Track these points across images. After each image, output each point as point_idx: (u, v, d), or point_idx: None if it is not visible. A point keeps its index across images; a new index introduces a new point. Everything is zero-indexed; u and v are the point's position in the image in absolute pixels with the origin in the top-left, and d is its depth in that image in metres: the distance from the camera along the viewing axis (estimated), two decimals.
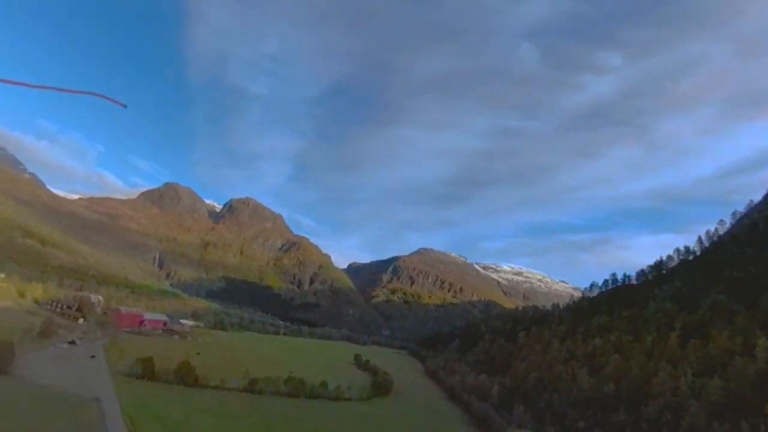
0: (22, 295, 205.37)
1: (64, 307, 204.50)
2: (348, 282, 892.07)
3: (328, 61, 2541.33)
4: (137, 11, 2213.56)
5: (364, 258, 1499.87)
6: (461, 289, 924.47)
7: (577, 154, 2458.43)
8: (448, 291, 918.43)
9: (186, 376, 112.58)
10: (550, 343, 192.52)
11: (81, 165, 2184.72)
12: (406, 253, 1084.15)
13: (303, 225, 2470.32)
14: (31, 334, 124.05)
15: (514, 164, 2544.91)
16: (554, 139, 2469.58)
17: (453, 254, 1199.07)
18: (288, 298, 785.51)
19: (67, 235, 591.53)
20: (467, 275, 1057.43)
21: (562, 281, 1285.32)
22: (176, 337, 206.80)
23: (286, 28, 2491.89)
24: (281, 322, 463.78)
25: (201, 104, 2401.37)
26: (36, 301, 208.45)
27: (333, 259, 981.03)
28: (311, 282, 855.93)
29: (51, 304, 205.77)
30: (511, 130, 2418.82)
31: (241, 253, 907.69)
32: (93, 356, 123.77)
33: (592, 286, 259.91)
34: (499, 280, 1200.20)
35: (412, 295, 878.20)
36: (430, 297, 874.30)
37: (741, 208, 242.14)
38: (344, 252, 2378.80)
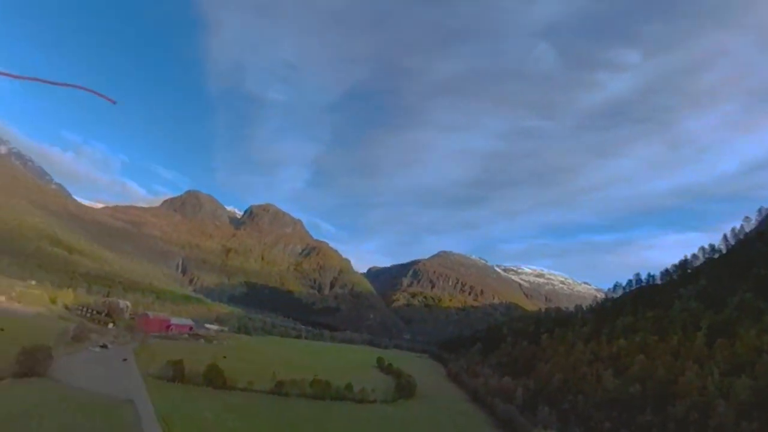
0: (53, 301, 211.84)
1: (94, 312, 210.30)
2: (368, 286, 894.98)
3: (344, 67, 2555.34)
4: (157, 24, 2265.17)
5: (384, 262, 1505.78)
6: (482, 292, 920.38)
7: (596, 154, 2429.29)
8: (469, 294, 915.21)
9: (215, 379, 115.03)
10: (574, 345, 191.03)
11: (105, 175, 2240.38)
12: (426, 257, 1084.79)
13: (322, 230, 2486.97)
14: (65, 339, 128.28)
15: (533, 165, 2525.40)
16: (573, 139, 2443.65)
17: (473, 257, 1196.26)
18: (309, 303, 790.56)
19: (93, 242, 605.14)
20: (488, 278, 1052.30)
21: (584, 283, 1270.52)
22: (202, 341, 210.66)
23: (302, 36, 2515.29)
24: (303, 327, 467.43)
25: (220, 113, 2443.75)
26: (66, 307, 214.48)
27: (353, 263, 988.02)
28: (331, 286, 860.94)
29: (81, 310, 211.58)
30: (529, 130, 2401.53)
31: (262, 258, 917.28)
32: (125, 359, 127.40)
33: (615, 286, 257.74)
34: (521, 282, 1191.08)
35: (432, 298, 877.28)
36: (450, 300, 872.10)
37: (767, 205, 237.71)
38: (364, 256, 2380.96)
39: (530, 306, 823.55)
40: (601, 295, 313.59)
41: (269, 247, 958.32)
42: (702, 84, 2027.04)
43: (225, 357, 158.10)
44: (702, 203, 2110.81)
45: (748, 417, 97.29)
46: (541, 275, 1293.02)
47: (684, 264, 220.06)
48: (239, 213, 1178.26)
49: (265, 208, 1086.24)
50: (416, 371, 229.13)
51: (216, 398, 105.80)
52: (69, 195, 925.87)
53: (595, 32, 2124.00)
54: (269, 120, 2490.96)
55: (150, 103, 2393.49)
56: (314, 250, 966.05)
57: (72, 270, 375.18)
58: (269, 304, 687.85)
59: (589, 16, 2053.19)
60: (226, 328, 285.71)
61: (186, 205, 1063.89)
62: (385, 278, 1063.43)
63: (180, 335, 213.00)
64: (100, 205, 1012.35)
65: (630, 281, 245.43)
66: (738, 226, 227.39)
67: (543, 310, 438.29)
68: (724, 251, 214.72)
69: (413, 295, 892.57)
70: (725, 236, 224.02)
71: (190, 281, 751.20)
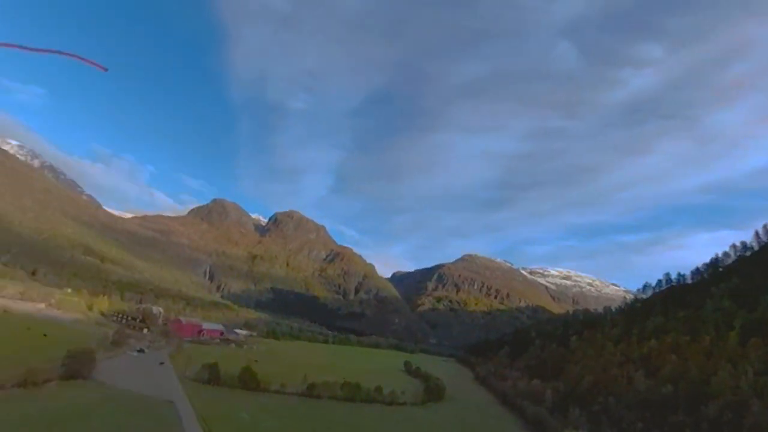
0: (90, 308, 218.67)
1: (130, 318, 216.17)
2: (393, 291, 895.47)
3: (365, 73, 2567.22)
4: (181, 38, 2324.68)
5: (408, 266, 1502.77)
6: (508, 296, 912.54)
7: (623, 152, 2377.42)
8: (495, 297, 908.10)
9: (248, 381, 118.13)
10: (604, 347, 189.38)
11: (134, 185, 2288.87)
12: (451, 261, 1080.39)
13: (346, 236, 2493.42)
14: (105, 343, 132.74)
15: (558, 165, 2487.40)
16: (598, 138, 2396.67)
17: (498, 260, 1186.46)
18: (334, 308, 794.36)
19: (123, 251, 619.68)
20: (514, 281, 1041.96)
21: (613, 284, 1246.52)
22: (233, 345, 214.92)
23: (322, 44, 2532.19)
24: (329, 332, 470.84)
25: (244, 122, 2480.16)
26: (102, 314, 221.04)
27: (377, 268, 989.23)
28: (356, 291, 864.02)
29: (117, 316, 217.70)
30: (553, 130, 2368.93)
31: (287, 264, 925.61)
32: (161, 363, 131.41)
33: (645, 287, 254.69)
34: (547, 285, 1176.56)
35: (457, 302, 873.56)
36: (476, 304, 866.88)
37: None
38: (388, 261, 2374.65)
39: (557, 309, 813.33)
40: (630, 297, 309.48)
41: (294, 254, 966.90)
42: (729, 76, 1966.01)
43: (256, 361, 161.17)
44: (733, 199, 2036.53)
45: None
46: (568, 277, 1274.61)
47: (715, 262, 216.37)
48: (264, 220, 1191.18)
49: (290, 215, 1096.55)
50: (444, 375, 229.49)
51: (251, 400, 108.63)
52: (100, 205, 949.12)
53: (616, 28, 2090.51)
54: (292, 128, 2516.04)
55: (176, 114, 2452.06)
56: (338, 255, 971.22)
57: (105, 278, 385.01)
58: (295, 309, 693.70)
59: (610, 12, 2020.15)
60: (255, 333, 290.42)
61: (212, 213, 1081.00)
62: (410, 283, 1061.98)
63: (211, 340, 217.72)
64: (129, 215, 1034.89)
65: (660, 281, 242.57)
66: None
67: (571, 312, 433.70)
68: (756, 248, 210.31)
69: (438, 300, 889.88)
70: (757, 233, 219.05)
71: (218, 288, 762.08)
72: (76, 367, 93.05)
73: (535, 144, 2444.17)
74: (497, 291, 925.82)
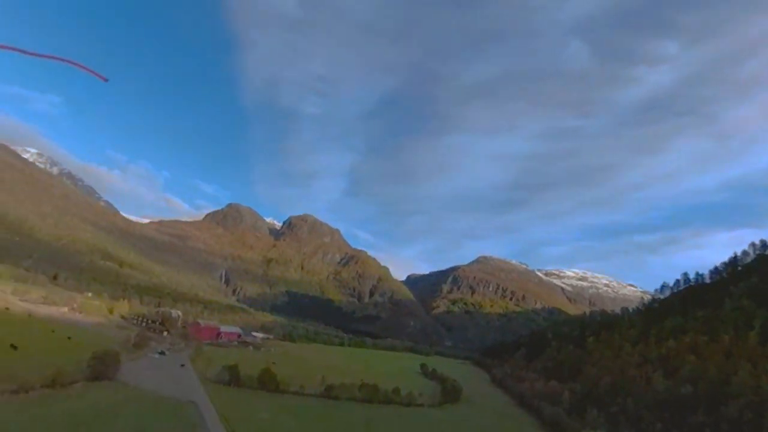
0: (110, 311, 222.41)
1: (149, 321, 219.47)
2: (408, 293, 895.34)
3: (376, 76, 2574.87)
4: (194, 45, 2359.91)
5: (423, 269, 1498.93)
6: (524, 297, 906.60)
7: (638, 151, 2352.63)
8: (510, 299, 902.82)
9: (268, 382, 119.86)
10: (622, 348, 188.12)
11: (150, 191, 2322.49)
12: (466, 263, 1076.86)
13: (360, 239, 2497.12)
14: (128, 346, 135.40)
15: (573, 165, 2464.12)
16: (613, 137, 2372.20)
17: (513, 261, 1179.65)
18: (349, 311, 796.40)
19: (141, 256, 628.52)
20: (529, 283, 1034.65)
21: (630, 285, 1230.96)
22: (251, 348, 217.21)
23: (334, 47, 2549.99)
24: (344, 334, 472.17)
25: (257, 127, 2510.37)
26: (123, 317, 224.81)
27: (391, 271, 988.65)
28: (371, 294, 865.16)
29: (137, 319, 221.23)
30: (567, 130, 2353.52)
31: (302, 268, 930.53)
32: (182, 365, 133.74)
33: (662, 287, 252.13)
34: (563, 286, 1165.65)
35: (473, 304, 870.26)
36: (491, 306, 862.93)
37: None
38: (402, 264, 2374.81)
39: (573, 310, 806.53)
40: (647, 298, 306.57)
41: (308, 257, 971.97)
42: (746, 72, 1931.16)
43: (274, 363, 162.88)
44: (752, 197, 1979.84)
45: None
46: (584, 278, 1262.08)
47: (734, 261, 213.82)
48: (278, 224, 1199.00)
49: (304, 219, 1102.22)
50: (460, 377, 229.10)
51: (270, 400, 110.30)
52: (117, 211, 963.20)
53: (629, 25, 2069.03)
54: (304, 132, 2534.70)
55: (190, 120, 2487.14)
56: (353, 258, 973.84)
57: (123, 282, 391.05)
58: (310, 312, 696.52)
59: (622, 9, 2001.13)
60: (271, 336, 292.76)
61: (227, 218, 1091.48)
62: (425, 285, 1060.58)
63: (229, 342, 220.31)
64: (146, 221, 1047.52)
65: (677, 281, 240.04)
66: None
67: (587, 313, 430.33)
68: None
69: (453, 302, 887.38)
70: None
71: (234, 291, 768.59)
72: (101, 368, 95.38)
73: (548, 144, 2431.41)
74: (513, 293, 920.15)
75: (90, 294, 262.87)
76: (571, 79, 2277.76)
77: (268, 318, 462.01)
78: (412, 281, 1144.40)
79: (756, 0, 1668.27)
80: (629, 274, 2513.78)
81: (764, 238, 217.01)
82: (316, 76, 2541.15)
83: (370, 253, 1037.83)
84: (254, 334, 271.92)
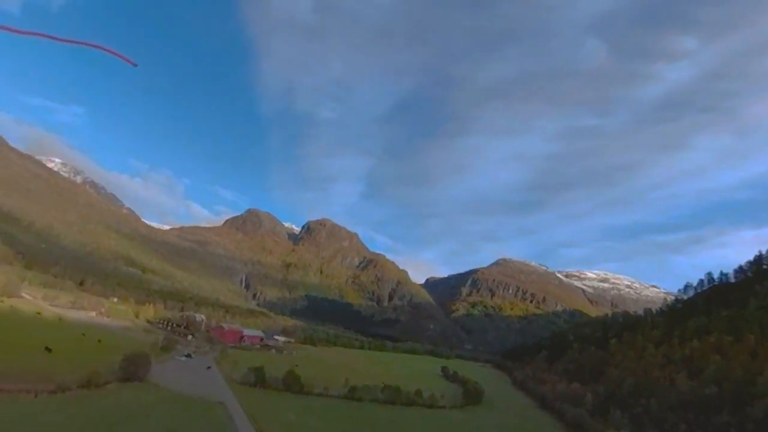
0: (137, 315, 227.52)
1: (174, 325, 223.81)
2: (427, 296, 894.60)
3: (392, 80, 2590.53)
4: (212, 54, 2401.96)
5: (442, 272, 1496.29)
6: (544, 299, 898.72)
7: (659, 149, 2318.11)
8: (530, 302, 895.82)
9: (292, 384, 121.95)
10: (645, 349, 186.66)
11: (171, 198, 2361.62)
12: (485, 265, 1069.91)
13: (378, 242, 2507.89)
14: (155, 349, 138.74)
15: (592, 165, 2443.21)
16: (633, 135, 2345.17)
17: (533, 263, 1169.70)
18: (368, 315, 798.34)
19: (163, 262, 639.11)
20: (549, 284, 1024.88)
21: (652, 286, 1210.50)
22: (273, 351, 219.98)
23: (350, 54, 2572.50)
24: (364, 338, 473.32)
25: (274, 133, 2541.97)
26: (148, 321, 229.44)
27: (410, 274, 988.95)
28: (390, 298, 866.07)
29: (162, 323, 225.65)
30: (585, 129, 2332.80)
31: (321, 272, 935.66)
32: (209, 367, 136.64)
33: (686, 287, 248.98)
34: (584, 288, 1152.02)
35: (492, 307, 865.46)
36: (511, 309, 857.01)
37: None
38: (421, 267, 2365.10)
39: (595, 312, 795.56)
40: (671, 299, 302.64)
41: (327, 261, 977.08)
42: (767, 65, 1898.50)
43: (297, 365, 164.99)
44: None
45: None
46: (605, 279, 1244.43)
47: (759, 260, 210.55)
48: (297, 229, 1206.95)
49: (322, 223, 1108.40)
50: (481, 379, 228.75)
51: (296, 401, 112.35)
52: (139, 218, 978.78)
53: (646, 21, 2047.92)
54: (321, 137, 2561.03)
55: (209, 128, 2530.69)
56: (371, 262, 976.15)
57: (146, 287, 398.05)
58: (329, 316, 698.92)
59: (638, 5, 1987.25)
60: (292, 339, 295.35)
61: (246, 223, 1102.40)
62: (444, 288, 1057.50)
63: (252, 346, 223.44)
64: (167, 227, 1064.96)
65: (701, 281, 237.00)
66: None
67: (609, 315, 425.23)
68: None
69: (473, 305, 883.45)
70: None
71: (254, 296, 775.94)
72: (133, 369, 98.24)
73: (566, 144, 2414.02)
74: (533, 295, 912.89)
75: (115, 299, 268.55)
76: (588, 77, 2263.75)
77: (288, 322, 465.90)
78: (431, 284, 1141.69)
79: None
80: (652, 274, 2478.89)
81: None
82: (332, 81, 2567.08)
83: (389, 256, 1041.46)
84: (276, 337, 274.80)
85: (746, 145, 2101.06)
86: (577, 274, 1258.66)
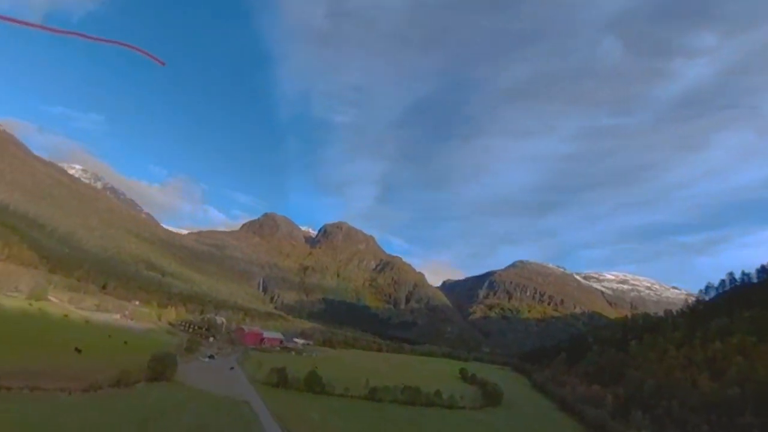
0: (159, 318, 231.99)
1: (196, 327, 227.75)
2: (444, 299, 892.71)
3: (408, 83, 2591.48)
4: (230, 60, 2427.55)
5: (459, 275, 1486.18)
6: (562, 302, 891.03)
7: (680, 147, 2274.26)
8: (548, 304, 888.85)
9: (314, 385, 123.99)
10: (666, 350, 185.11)
11: (188, 203, 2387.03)
12: (502, 267, 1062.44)
13: (394, 245, 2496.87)
14: (180, 350, 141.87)
15: (611, 165, 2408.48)
16: (652, 134, 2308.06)
17: (551, 265, 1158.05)
18: (385, 318, 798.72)
19: (182, 265, 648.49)
20: (568, 286, 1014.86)
21: (673, 287, 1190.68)
22: (293, 353, 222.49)
23: (366, 58, 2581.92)
24: (381, 341, 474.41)
25: (291, 139, 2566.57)
26: (170, 323, 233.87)
27: (427, 277, 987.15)
28: (407, 301, 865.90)
29: (183, 325, 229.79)
30: (604, 129, 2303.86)
31: (338, 275, 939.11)
32: (232, 368, 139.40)
33: (707, 288, 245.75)
34: (603, 289, 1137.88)
35: (510, 310, 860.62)
36: (529, 311, 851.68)
37: None
38: (437, 269, 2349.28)
39: (614, 314, 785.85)
40: (692, 300, 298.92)
41: (344, 264, 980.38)
42: None
43: (317, 367, 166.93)
44: None
45: None
46: (625, 281, 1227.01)
47: None
48: (314, 232, 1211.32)
49: (338, 226, 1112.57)
50: (500, 381, 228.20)
51: (318, 402, 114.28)
52: (158, 223, 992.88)
53: (663, 18, 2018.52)
54: (337, 142, 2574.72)
55: (226, 133, 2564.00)
56: (388, 265, 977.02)
57: (167, 290, 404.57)
58: (346, 319, 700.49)
59: (655, 1, 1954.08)
60: (311, 342, 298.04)
61: (263, 227, 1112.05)
62: (461, 291, 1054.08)
63: (272, 348, 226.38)
64: (185, 231, 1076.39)
65: (722, 282, 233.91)
66: None
67: (629, 316, 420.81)
68: None
69: (490, 307, 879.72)
70: None
71: (271, 299, 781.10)
72: (160, 369, 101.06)
73: (585, 144, 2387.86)
74: (551, 297, 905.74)
75: (137, 302, 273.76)
76: (606, 76, 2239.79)
77: (306, 324, 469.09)
78: (448, 287, 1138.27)
79: None
80: (673, 276, 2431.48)
81: None
82: (348, 86, 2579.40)
83: (405, 259, 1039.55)
84: (295, 339, 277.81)
85: None
86: (596, 275, 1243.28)
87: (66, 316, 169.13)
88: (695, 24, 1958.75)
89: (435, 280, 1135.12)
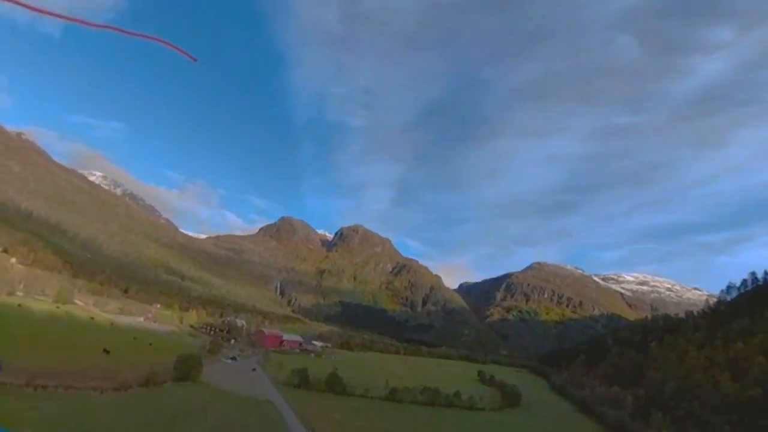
0: (181, 321, 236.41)
1: (217, 330, 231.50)
2: (461, 302, 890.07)
3: (421, 85, 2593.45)
4: (244, 65, 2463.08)
5: (475, 277, 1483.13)
6: (580, 304, 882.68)
7: (697, 145, 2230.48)
8: (567, 306, 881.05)
9: (335, 386, 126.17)
10: (687, 352, 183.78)
11: (206, 207, 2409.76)
12: (519, 269, 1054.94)
13: (411, 247, 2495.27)
14: (203, 352, 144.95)
15: (628, 164, 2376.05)
16: (669, 132, 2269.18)
17: (569, 266, 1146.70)
18: (402, 321, 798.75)
19: (201, 270, 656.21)
20: (586, 288, 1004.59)
21: (694, 288, 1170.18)
22: (312, 355, 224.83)
23: (377, 61, 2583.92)
24: (399, 343, 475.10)
25: (306, 142, 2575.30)
26: (192, 326, 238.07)
27: (443, 279, 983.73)
28: (424, 303, 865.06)
29: (205, 328, 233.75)
30: (619, 128, 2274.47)
31: (354, 278, 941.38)
32: (254, 369, 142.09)
33: (728, 288, 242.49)
34: (622, 291, 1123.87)
35: (527, 312, 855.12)
36: (547, 313, 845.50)
37: None
38: (454, 272, 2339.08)
39: (633, 316, 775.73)
40: (713, 301, 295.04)
41: (360, 267, 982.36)
42: None
43: (336, 368, 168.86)
44: None
45: None
46: (644, 282, 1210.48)
47: None
48: (330, 235, 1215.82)
49: (354, 230, 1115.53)
50: (518, 383, 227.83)
51: (339, 402, 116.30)
52: (176, 228, 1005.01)
53: (678, 13, 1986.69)
54: (352, 144, 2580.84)
55: (242, 138, 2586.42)
56: (404, 267, 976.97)
57: (186, 294, 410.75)
58: (363, 322, 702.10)
59: None
60: (329, 344, 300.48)
61: (280, 231, 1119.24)
62: (478, 293, 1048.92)
63: (292, 350, 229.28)
64: (203, 236, 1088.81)
65: (744, 281, 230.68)
66: None
67: (649, 318, 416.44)
68: None
69: (508, 310, 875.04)
70: None
71: (289, 302, 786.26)
72: (186, 370, 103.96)
73: (601, 143, 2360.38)
74: (569, 299, 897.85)
75: (159, 305, 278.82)
76: (621, 74, 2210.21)
77: (324, 327, 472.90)
78: (465, 289, 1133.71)
79: None
80: (694, 276, 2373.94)
81: None
82: (361, 89, 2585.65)
83: (421, 261, 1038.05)
84: (314, 342, 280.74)
85: None
86: (615, 277, 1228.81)
87: (92, 318, 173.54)
88: (711, 18, 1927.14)
89: (451, 282, 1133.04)
